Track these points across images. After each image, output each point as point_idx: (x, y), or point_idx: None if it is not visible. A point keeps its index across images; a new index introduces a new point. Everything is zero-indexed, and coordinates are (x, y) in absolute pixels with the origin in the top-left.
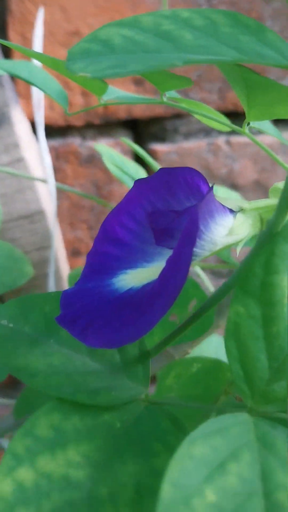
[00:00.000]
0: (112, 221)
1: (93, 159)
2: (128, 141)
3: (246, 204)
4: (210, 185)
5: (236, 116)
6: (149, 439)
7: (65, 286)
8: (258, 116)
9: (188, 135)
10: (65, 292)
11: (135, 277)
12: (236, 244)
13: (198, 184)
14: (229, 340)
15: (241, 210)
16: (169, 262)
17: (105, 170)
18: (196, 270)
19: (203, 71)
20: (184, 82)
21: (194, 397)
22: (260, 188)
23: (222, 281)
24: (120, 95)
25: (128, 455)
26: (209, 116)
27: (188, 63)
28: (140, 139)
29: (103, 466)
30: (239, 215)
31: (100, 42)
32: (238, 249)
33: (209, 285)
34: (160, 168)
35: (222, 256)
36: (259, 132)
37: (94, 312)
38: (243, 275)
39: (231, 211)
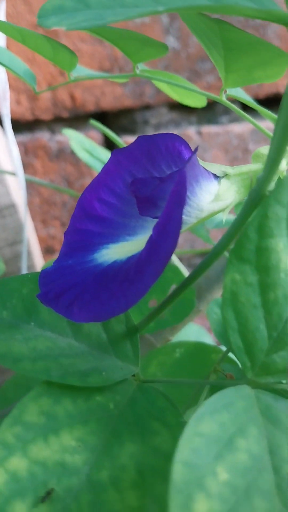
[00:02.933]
0: (89, 197)
1: (63, 154)
2: (101, 127)
3: (230, 170)
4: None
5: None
6: (146, 418)
7: None
8: (236, 82)
9: (158, 127)
10: (43, 271)
11: (118, 252)
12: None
13: (180, 150)
14: (226, 310)
15: (225, 175)
16: (157, 226)
17: (76, 165)
18: (172, 258)
19: (169, 60)
20: (159, 50)
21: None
22: None
23: None
24: (89, 73)
25: (125, 436)
26: (185, 86)
27: (169, 11)
28: None
29: (100, 450)
30: (223, 180)
31: None
32: (225, 215)
33: (186, 274)
34: (139, 136)
35: (201, 236)
36: (232, 121)
37: (78, 287)
38: (238, 240)
39: (216, 176)
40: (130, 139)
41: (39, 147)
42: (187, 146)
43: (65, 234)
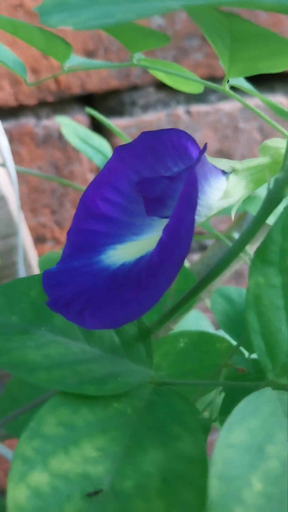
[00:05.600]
0: (92, 195)
1: (50, 139)
2: (94, 113)
3: (238, 165)
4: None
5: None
6: (166, 422)
7: (35, 273)
8: (240, 72)
9: (146, 107)
10: (47, 271)
11: (125, 252)
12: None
13: (186, 146)
14: (249, 313)
15: (234, 171)
16: (169, 230)
17: (64, 150)
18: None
19: None
20: (160, 41)
21: (187, 373)
22: (223, 157)
23: (195, 256)
24: (83, 61)
25: (146, 442)
26: (185, 76)
27: (185, 7)
28: None
29: (122, 458)
30: (232, 176)
31: None
32: (233, 212)
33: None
34: (143, 132)
35: (203, 225)
36: (221, 99)
37: (88, 292)
38: (262, 243)
39: (223, 172)
40: (118, 121)
41: (25, 134)
42: (193, 141)
43: (68, 234)
